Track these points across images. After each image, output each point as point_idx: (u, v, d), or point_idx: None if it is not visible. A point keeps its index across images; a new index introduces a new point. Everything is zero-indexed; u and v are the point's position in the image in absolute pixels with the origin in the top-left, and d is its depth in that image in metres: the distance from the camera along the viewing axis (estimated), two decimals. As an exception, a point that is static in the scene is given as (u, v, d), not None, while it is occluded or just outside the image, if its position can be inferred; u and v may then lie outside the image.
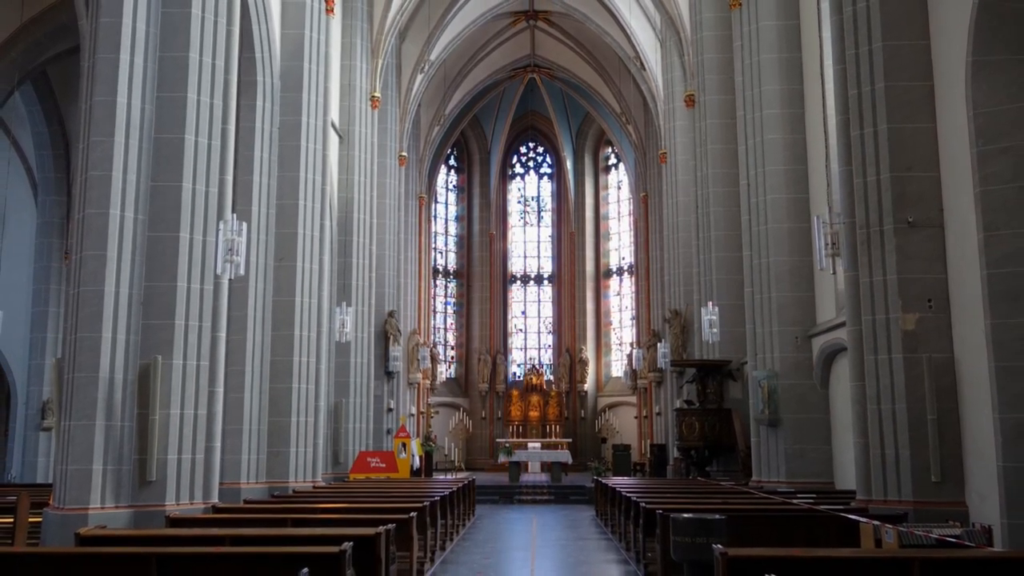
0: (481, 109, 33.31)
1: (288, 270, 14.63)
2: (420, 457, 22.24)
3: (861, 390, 9.75)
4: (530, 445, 27.87)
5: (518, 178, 36.10)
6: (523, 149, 36.10)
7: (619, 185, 34.37)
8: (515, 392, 32.38)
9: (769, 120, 14.72)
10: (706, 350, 18.61)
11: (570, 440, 28.80)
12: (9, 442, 21.14)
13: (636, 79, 26.25)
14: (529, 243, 35.76)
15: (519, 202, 36.00)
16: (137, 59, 9.91)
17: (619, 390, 32.22)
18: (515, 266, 35.45)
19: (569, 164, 34.54)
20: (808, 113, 14.52)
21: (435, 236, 33.86)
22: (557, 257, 35.21)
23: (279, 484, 13.77)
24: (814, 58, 14.22)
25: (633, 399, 30.45)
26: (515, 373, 34.11)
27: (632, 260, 32.62)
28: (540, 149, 36.00)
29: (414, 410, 27.48)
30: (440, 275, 34.10)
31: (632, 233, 32.69)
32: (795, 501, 10.47)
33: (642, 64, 24.83)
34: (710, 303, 17.35)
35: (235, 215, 10.87)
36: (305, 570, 5.72)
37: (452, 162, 34.96)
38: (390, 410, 23.09)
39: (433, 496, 11.52)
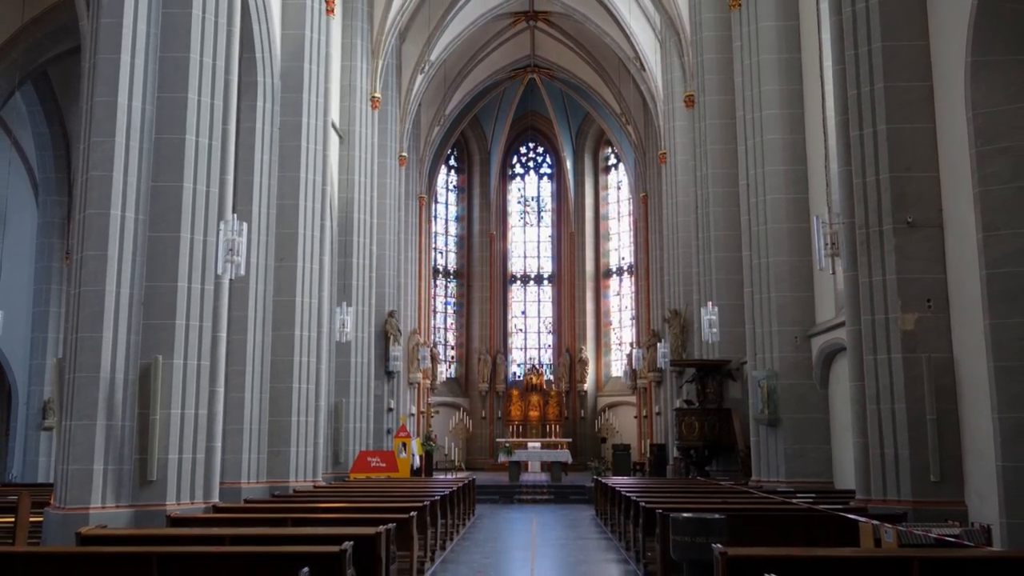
0: (481, 109, 33.33)
1: (288, 270, 14.65)
2: (420, 457, 22.27)
3: (860, 390, 9.76)
4: (530, 445, 27.90)
5: (518, 178, 36.13)
6: (523, 149, 36.13)
7: (619, 185, 34.39)
8: (515, 392, 32.40)
9: (769, 120, 14.74)
10: (706, 350, 18.62)
11: (570, 440, 28.81)
12: (10, 442, 21.14)
13: (636, 79, 26.27)
14: (529, 243, 35.79)
15: (519, 202, 36.02)
16: (138, 60, 9.92)
17: (619, 390, 32.24)
18: (515, 266, 35.47)
19: (569, 164, 34.55)
20: (808, 113, 14.53)
21: (435, 236, 33.88)
22: (557, 257, 35.23)
23: (279, 484, 13.79)
24: (813, 59, 14.23)
25: (633, 399, 30.48)
26: (515, 373, 34.13)
27: (632, 260, 32.64)
28: (540, 149, 36.02)
29: (414, 410, 27.50)
30: (440, 275, 34.12)
31: (632, 233, 32.70)
32: (794, 501, 10.48)
33: (642, 64, 24.84)
34: (710, 303, 17.37)
35: (235, 215, 10.89)
36: (305, 569, 5.74)
37: (452, 162, 34.98)
38: (390, 410, 23.11)
39: (433, 496, 11.53)
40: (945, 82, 9.13)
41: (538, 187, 36.04)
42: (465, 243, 35.07)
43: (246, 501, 11.78)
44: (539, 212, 35.96)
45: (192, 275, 10.07)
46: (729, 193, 17.84)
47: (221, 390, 10.79)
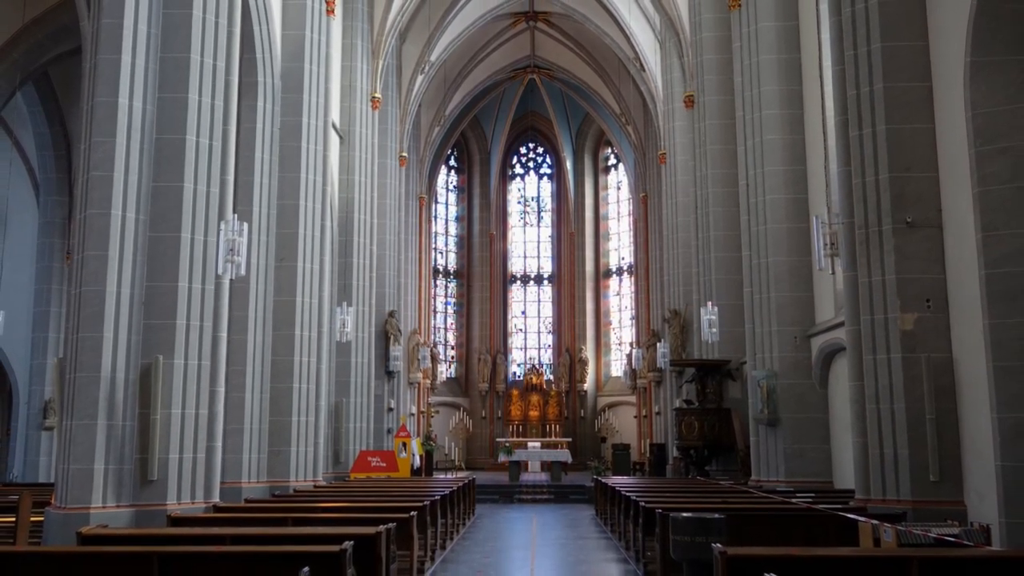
0: (481, 110, 33.35)
1: (289, 270, 14.67)
2: (420, 456, 22.28)
3: (860, 390, 9.77)
4: (530, 444, 27.93)
5: (518, 178, 36.14)
6: (523, 149, 36.14)
7: (619, 185, 34.41)
8: (515, 392, 32.42)
9: (768, 121, 14.75)
10: (705, 350, 18.64)
11: (570, 439, 28.84)
12: (11, 441, 21.16)
13: (635, 80, 26.29)
14: (529, 243, 35.80)
15: (519, 202, 36.04)
16: (138, 60, 9.94)
17: (619, 390, 32.26)
18: (515, 266, 35.49)
19: (569, 164, 34.57)
20: (807, 114, 14.55)
21: (435, 236, 33.90)
22: (557, 257, 35.24)
23: (280, 483, 13.80)
24: (813, 59, 14.25)
25: (633, 399, 30.50)
26: (515, 373, 34.15)
27: (632, 260, 32.66)
28: (540, 149, 36.04)
29: (414, 410, 27.51)
30: (440, 275, 34.14)
31: (632, 233, 32.72)
32: (794, 500, 10.49)
33: (642, 65, 24.86)
34: (709, 303, 17.38)
35: (236, 215, 10.90)
36: (306, 569, 5.75)
37: (452, 162, 34.99)
38: (390, 410, 23.13)
39: (433, 495, 11.55)
40: (944, 82, 9.14)
41: (538, 187, 36.06)
42: (465, 243, 35.09)
43: (246, 501, 11.79)
44: (539, 212, 35.98)
45: (192, 275, 10.09)
46: (729, 193, 17.85)
47: (221, 390, 10.80)
